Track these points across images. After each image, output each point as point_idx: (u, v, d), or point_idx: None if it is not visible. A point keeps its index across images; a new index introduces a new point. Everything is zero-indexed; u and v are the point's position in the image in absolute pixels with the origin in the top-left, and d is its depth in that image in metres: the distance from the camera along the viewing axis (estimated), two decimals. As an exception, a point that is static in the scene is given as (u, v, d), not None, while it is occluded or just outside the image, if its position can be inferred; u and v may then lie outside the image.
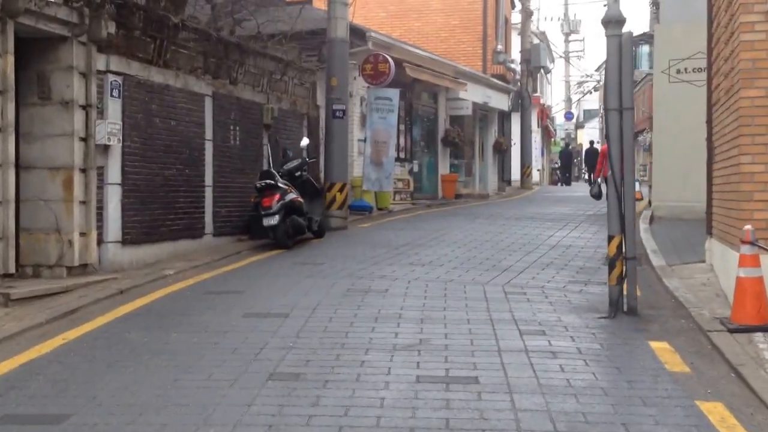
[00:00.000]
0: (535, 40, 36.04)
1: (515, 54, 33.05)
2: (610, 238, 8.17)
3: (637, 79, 62.60)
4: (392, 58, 18.00)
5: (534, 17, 36.07)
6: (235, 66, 13.52)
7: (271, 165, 13.90)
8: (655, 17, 20.29)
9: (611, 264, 8.14)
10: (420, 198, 21.67)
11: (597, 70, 75.85)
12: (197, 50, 12.38)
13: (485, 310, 8.20)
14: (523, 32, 33.17)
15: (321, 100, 16.32)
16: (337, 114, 15.01)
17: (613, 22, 8.16)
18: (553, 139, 52.69)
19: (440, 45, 27.18)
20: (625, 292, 8.18)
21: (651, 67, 61.69)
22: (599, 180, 20.94)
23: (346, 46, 15.17)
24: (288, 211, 12.69)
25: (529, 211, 19.40)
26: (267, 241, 12.84)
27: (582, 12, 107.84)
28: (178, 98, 11.57)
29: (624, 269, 8.09)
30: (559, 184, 43.74)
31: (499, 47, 28.45)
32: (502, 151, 29.22)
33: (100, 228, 10.00)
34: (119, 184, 10.35)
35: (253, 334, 7.23)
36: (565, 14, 57.89)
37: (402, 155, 21.04)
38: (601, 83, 70.70)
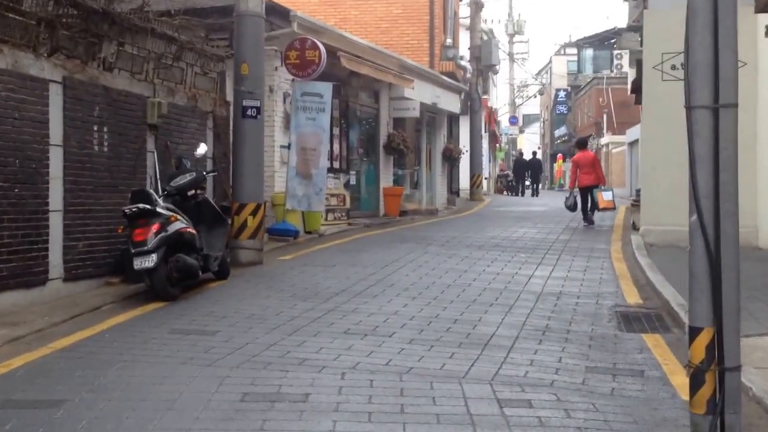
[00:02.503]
0: (485, 37, 32.71)
1: (463, 51, 29.63)
2: (695, 332, 4.62)
3: (581, 84, 60.43)
4: (324, 45, 14.39)
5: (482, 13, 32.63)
6: (102, 43, 9.78)
7: (158, 179, 10.28)
8: (640, 2, 17.05)
9: (696, 377, 4.61)
10: (358, 216, 18.05)
11: (537, 74, 73.41)
12: (37, 16, 8.59)
13: (475, 452, 4.64)
14: (473, 27, 29.80)
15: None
16: (249, 112, 11.35)
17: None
18: (498, 145, 49.56)
19: (381, 37, 23.65)
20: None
21: (595, 72, 59.62)
22: (574, 191, 18.77)
23: (260, 23, 11.52)
24: (172, 248, 8.99)
25: (492, 235, 15.93)
26: (144, 286, 9.14)
27: (526, 12, 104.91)
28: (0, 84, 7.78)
29: (719, 387, 4.58)
30: (506, 192, 40.75)
31: (449, 41, 25.03)
32: (452, 159, 25.72)
33: None
34: None
35: None
36: (510, 14, 54.94)
37: (336, 165, 17.38)
38: (548, 86, 68.27)
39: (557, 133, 68.10)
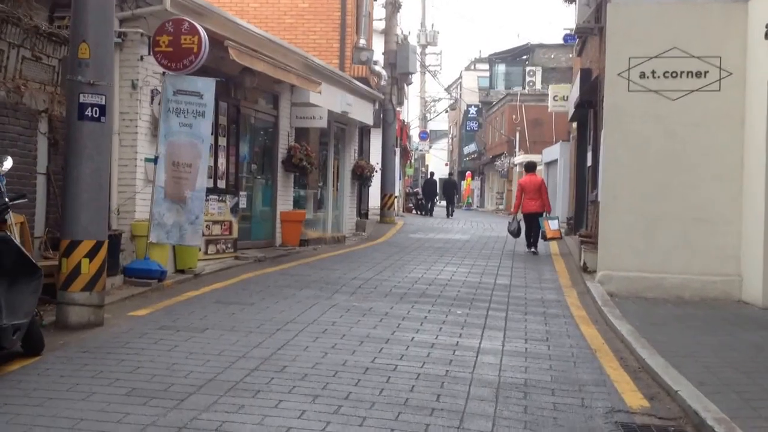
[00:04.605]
0: (401, 42, 29.78)
1: (377, 57, 26.68)
2: None
3: (493, 100, 58.42)
4: (207, 31, 11.17)
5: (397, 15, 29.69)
6: None
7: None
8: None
9: None
10: (248, 247, 14.78)
11: (447, 89, 71.21)
12: None
13: None
14: (389, 30, 26.87)
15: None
16: (89, 112, 8.03)
17: None
18: (409, 161, 46.83)
19: (284, 34, 20.47)
20: None
21: (507, 88, 57.95)
22: (518, 216, 17.48)
23: (108, -12, 8.24)
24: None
25: (414, 276, 12.91)
26: None
27: (439, 23, 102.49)
28: None
29: None
30: (415, 211, 38.15)
31: (362, 42, 22.01)
32: (364, 178, 22.57)
33: None
34: None
35: None
36: (423, 23, 52.37)
37: (221, 184, 14.03)
38: (459, 101, 66.06)
39: (466, 150, 66.09)
